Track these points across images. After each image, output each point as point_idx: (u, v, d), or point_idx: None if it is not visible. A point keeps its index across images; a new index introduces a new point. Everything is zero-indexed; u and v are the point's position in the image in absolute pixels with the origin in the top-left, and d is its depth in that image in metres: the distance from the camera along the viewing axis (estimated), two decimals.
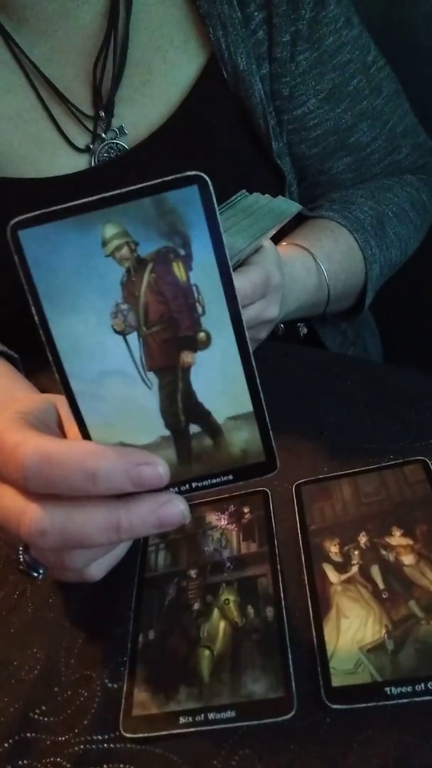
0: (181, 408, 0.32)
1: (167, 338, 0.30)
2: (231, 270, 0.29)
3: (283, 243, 0.63)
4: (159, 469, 0.31)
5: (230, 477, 0.33)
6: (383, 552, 0.37)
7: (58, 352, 0.30)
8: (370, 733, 0.30)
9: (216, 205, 0.28)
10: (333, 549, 0.38)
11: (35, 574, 0.35)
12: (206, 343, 0.30)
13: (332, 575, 0.37)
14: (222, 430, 0.32)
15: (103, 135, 0.63)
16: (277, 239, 0.62)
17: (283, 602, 0.36)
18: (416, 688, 0.31)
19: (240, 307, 0.30)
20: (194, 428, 0.32)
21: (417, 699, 0.30)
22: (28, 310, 0.30)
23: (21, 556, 0.35)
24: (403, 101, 0.71)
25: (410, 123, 0.72)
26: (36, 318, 0.30)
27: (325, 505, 0.41)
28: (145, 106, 0.63)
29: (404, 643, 0.32)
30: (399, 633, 0.33)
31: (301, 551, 0.39)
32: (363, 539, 0.38)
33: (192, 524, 0.43)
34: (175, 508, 0.32)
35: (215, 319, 0.30)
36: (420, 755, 0.29)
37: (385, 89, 0.69)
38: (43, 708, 0.35)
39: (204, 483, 0.33)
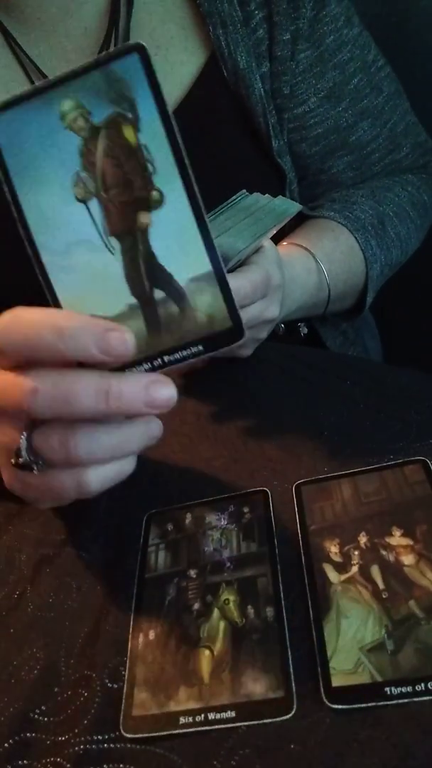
0: (144, 271, 0.33)
1: (124, 201, 0.32)
2: (175, 128, 0.31)
3: (284, 243, 0.63)
4: (125, 335, 0.32)
5: (200, 348, 0.34)
6: (383, 552, 0.37)
7: (29, 226, 0.33)
8: (370, 733, 0.30)
9: (155, 70, 0.30)
10: (333, 549, 0.38)
11: (35, 468, 0.35)
12: (160, 201, 0.32)
13: (332, 575, 0.37)
14: (185, 294, 0.33)
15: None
16: (277, 239, 0.62)
17: (283, 602, 0.36)
18: (416, 688, 0.31)
19: (187, 163, 0.32)
20: (159, 294, 0.34)
21: (417, 699, 0.30)
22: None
23: (23, 445, 0.35)
24: (403, 100, 0.72)
25: (411, 122, 0.72)
26: (9, 199, 0.32)
27: (325, 505, 0.41)
28: None
29: (404, 643, 0.32)
30: (399, 633, 0.33)
31: (301, 551, 0.39)
32: (363, 539, 0.38)
33: (192, 524, 0.43)
34: (165, 388, 0.33)
35: (166, 177, 0.32)
36: (420, 755, 0.29)
37: (386, 88, 0.69)
38: (43, 708, 0.35)
39: (176, 356, 0.34)
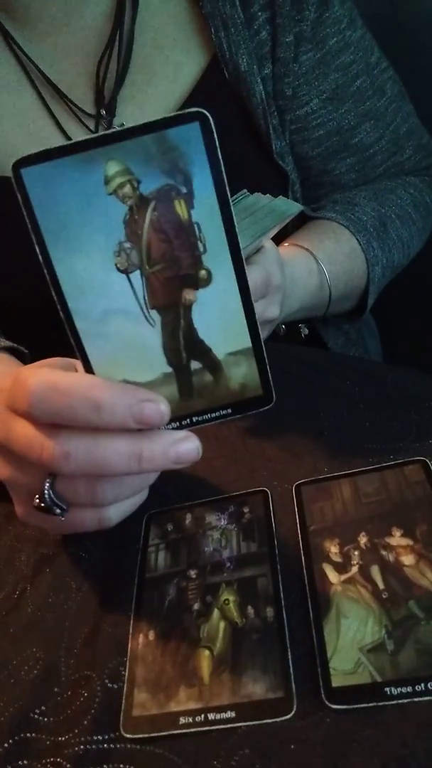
0: (183, 345, 0.33)
1: (169, 276, 0.31)
2: (231, 208, 0.29)
3: (285, 244, 0.64)
4: (161, 406, 0.32)
5: (229, 411, 0.34)
6: (383, 552, 0.37)
7: (63, 290, 0.31)
8: (370, 733, 0.30)
9: (217, 143, 0.28)
10: (333, 549, 0.38)
11: (58, 511, 0.35)
12: (207, 280, 0.31)
13: (332, 575, 0.37)
14: (222, 365, 0.33)
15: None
16: (279, 240, 0.62)
17: (283, 602, 0.36)
18: (416, 688, 0.31)
19: (239, 244, 0.30)
20: (195, 364, 0.33)
21: (417, 699, 0.30)
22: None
23: (46, 492, 0.35)
24: (406, 103, 0.72)
25: (413, 124, 0.73)
26: (40, 257, 0.30)
27: (325, 506, 0.41)
28: (146, 106, 0.63)
29: (404, 644, 0.32)
30: (399, 633, 0.33)
31: (301, 551, 0.39)
32: (363, 539, 0.38)
33: (192, 524, 0.43)
34: (192, 444, 0.33)
35: (216, 257, 0.30)
36: (420, 755, 0.29)
37: (389, 90, 0.69)
38: (43, 708, 0.35)
39: (204, 417, 0.34)
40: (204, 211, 0.29)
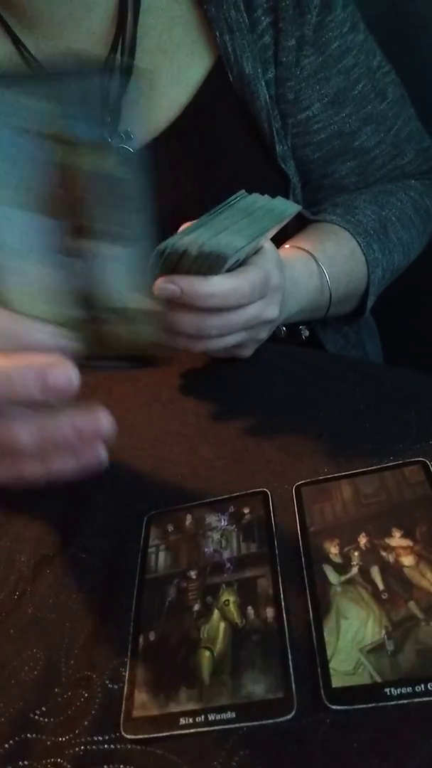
0: (93, 293, 0.34)
1: (86, 226, 0.32)
2: (148, 165, 0.31)
3: (286, 246, 0.64)
4: (68, 371, 0.30)
5: (127, 363, 0.37)
6: (383, 553, 0.37)
7: None
8: (370, 733, 0.30)
9: (149, 104, 0.29)
10: (333, 550, 0.38)
11: None
12: (122, 236, 0.32)
13: (332, 576, 0.37)
14: (129, 319, 0.35)
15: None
16: (279, 242, 0.63)
17: (283, 603, 0.36)
18: (416, 688, 0.31)
19: (153, 202, 0.31)
20: (103, 314, 0.35)
21: (417, 700, 0.30)
22: None
23: None
24: (407, 106, 0.72)
25: (414, 128, 0.73)
26: None
27: (325, 506, 0.41)
28: (151, 110, 0.63)
29: (404, 644, 0.32)
30: (399, 634, 0.33)
31: (301, 552, 0.39)
32: (363, 540, 0.38)
33: (192, 525, 0.43)
34: (62, 369, 0.30)
35: (131, 212, 0.31)
36: (420, 756, 0.29)
37: (390, 94, 0.69)
38: (43, 709, 0.35)
39: (103, 364, 0.37)
40: (129, 169, 0.30)
